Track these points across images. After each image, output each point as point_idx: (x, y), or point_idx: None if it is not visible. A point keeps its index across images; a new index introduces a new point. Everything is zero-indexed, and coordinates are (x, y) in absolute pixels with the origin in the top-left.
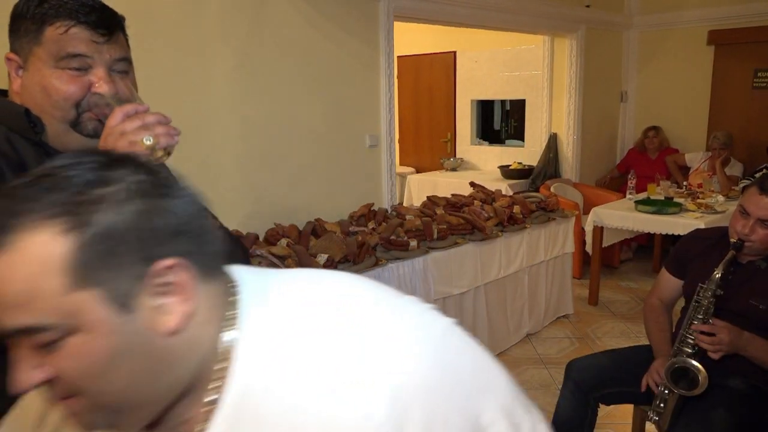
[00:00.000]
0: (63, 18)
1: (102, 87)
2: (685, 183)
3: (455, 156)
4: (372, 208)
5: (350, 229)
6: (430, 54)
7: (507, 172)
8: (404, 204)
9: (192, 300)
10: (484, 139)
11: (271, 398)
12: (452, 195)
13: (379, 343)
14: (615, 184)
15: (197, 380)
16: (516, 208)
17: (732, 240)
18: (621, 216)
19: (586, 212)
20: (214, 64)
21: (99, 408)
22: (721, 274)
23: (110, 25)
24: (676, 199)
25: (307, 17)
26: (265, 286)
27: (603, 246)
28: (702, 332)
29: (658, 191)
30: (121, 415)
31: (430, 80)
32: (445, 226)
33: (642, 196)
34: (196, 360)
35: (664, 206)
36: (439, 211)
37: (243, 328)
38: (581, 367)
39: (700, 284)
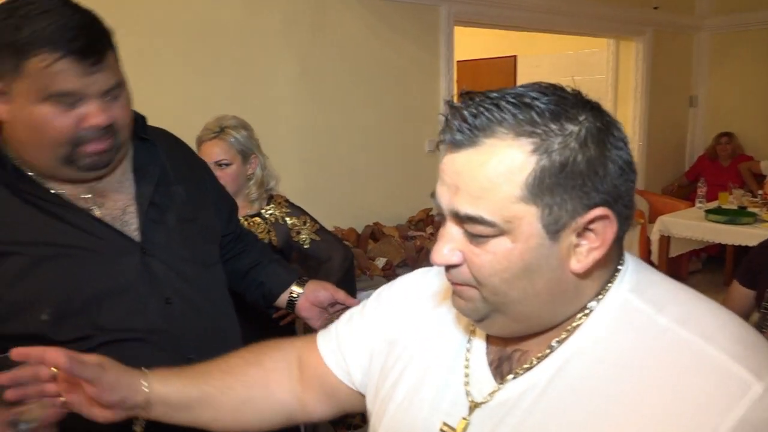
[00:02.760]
0: (46, 48)
1: (97, 119)
2: (759, 192)
3: None
4: (430, 213)
5: (408, 233)
6: (490, 59)
7: None
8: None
9: (603, 251)
10: None
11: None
12: None
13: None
14: (683, 192)
15: (559, 326)
16: None
17: None
18: (690, 225)
19: (652, 221)
20: (277, 71)
21: (486, 303)
22: None
23: (100, 50)
24: (750, 209)
25: (367, 23)
26: (647, 275)
27: (670, 256)
28: None
29: (730, 200)
30: (499, 317)
31: (489, 85)
32: None
33: (713, 205)
34: (575, 307)
35: (737, 216)
36: None
37: (607, 300)
38: None
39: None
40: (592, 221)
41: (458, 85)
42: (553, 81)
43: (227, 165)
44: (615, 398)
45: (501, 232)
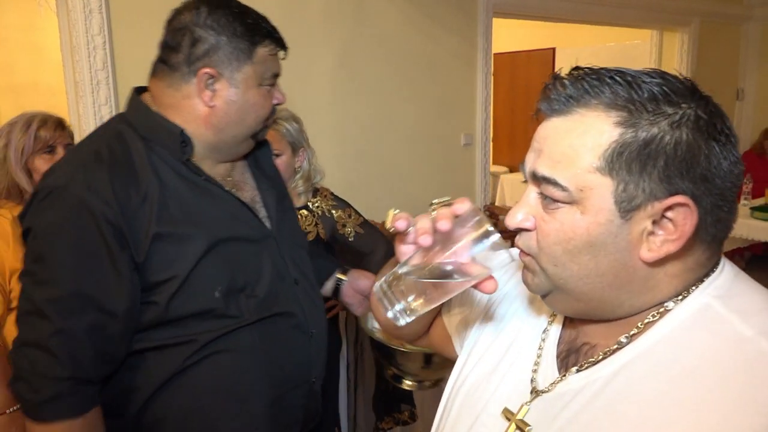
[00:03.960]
0: (268, 39)
1: (280, 98)
2: None
3: None
4: None
5: None
6: (528, 51)
7: None
8: (497, 204)
9: (678, 244)
10: None
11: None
12: None
13: None
14: None
15: (629, 320)
16: None
17: None
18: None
19: None
20: (315, 64)
21: (547, 276)
22: None
23: (285, 42)
24: None
25: (405, 15)
26: (736, 282)
27: None
28: None
29: None
30: (561, 294)
31: (527, 78)
32: None
33: (759, 202)
34: (646, 301)
35: None
36: None
37: (688, 303)
38: None
39: None
40: (670, 208)
41: (495, 78)
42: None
43: (277, 155)
44: (678, 405)
45: (572, 200)
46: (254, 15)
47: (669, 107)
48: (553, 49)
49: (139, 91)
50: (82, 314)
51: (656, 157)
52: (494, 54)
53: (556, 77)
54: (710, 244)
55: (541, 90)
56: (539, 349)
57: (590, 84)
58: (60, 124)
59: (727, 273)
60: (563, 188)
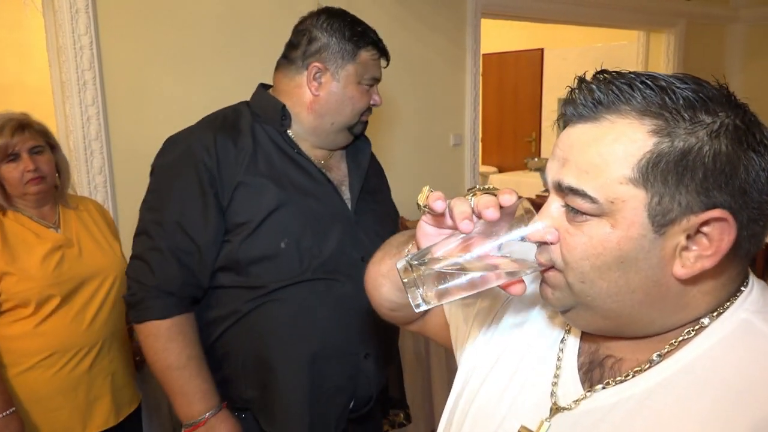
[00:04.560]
0: (371, 45)
1: (377, 100)
2: None
3: (540, 156)
4: None
5: None
6: (516, 51)
7: None
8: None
9: (714, 260)
10: None
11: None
12: (537, 196)
13: None
14: None
15: (660, 337)
16: None
17: None
18: None
19: None
20: None
21: (572, 292)
22: None
23: (388, 54)
24: None
25: (393, 16)
26: None
27: None
28: None
29: None
30: (585, 311)
31: (515, 78)
32: None
33: None
34: (679, 318)
35: None
36: None
37: (724, 319)
38: None
39: None
40: (706, 223)
41: (484, 79)
42: (581, 74)
43: None
44: (725, 423)
45: (602, 213)
46: (364, 25)
47: (706, 116)
48: (542, 50)
49: (265, 87)
50: (174, 237)
51: (694, 168)
52: (483, 54)
53: (582, 81)
54: (743, 259)
55: (566, 94)
56: (558, 360)
57: (620, 89)
58: (20, 127)
59: (758, 287)
60: (592, 200)
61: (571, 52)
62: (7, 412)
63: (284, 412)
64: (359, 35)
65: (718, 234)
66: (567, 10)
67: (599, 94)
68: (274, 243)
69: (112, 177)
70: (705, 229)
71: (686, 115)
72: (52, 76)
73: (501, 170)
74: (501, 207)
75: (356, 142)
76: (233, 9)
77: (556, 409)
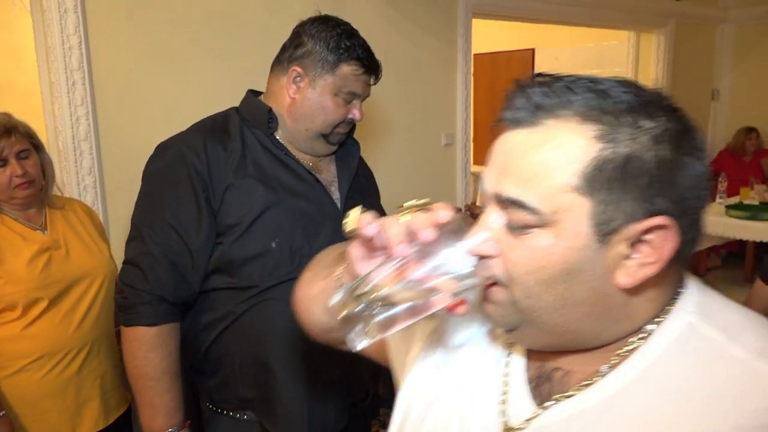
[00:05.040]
0: (356, 61)
1: (357, 115)
2: None
3: None
4: None
5: None
6: (508, 51)
7: None
8: (477, 203)
9: (657, 267)
10: None
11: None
12: None
13: None
14: None
15: (608, 347)
16: None
17: None
18: (709, 221)
19: None
20: None
21: (516, 309)
22: None
23: (378, 72)
24: None
25: (384, 17)
26: (712, 300)
27: None
28: None
29: (751, 195)
30: (532, 328)
31: (507, 78)
32: None
33: (734, 200)
34: (625, 328)
35: (759, 212)
36: None
37: (667, 324)
38: None
39: None
40: (649, 230)
41: (475, 79)
42: (572, 73)
43: None
44: (686, 427)
45: (545, 224)
46: (355, 40)
47: (648, 120)
48: (533, 50)
49: (254, 93)
50: (167, 241)
51: (638, 175)
52: (474, 54)
53: (520, 84)
54: (681, 263)
55: (503, 98)
56: (504, 377)
57: (560, 93)
58: (6, 131)
59: (695, 288)
60: (535, 211)
61: (563, 52)
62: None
63: (284, 409)
64: (345, 48)
65: (661, 241)
66: (558, 11)
67: (539, 98)
68: (265, 243)
69: (102, 178)
70: (647, 236)
71: (628, 119)
72: (40, 76)
73: None
74: (438, 223)
75: (345, 145)
76: (223, 9)
77: (507, 430)
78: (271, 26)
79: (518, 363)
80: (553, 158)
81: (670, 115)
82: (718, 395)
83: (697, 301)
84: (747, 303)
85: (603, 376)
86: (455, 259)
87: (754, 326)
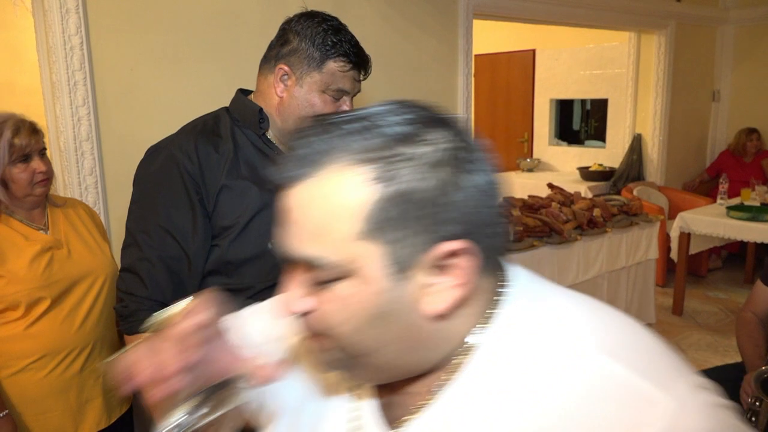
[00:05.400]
0: (343, 57)
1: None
2: None
3: (532, 156)
4: None
5: None
6: (508, 52)
7: (586, 173)
8: None
9: (466, 288)
10: (563, 140)
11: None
12: (529, 196)
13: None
14: (704, 188)
15: (438, 367)
16: (596, 211)
17: None
18: (711, 222)
19: (672, 217)
20: None
21: (342, 353)
22: None
23: (367, 67)
24: None
25: (385, 17)
26: (537, 293)
27: (690, 253)
28: None
29: (753, 197)
30: (359, 368)
31: (507, 79)
32: (521, 228)
33: (735, 201)
34: (446, 350)
35: (760, 213)
36: (516, 212)
37: (492, 330)
38: None
39: None
40: (447, 256)
41: (476, 80)
42: (573, 75)
43: None
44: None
45: (345, 275)
46: (341, 35)
47: (422, 146)
48: (533, 51)
49: (244, 93)
50: (163, 246)
51: (422, 206)
52: (475, 55)
53: (292, 138)
54: (494, 267)
55: (273, 161)
56: (355, 410)
57: (324, 138)
58: (34, 129)
59: (516, 282)
60: (331, 266)
61: (563, 53)
62: (0, 414)
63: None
64: (331, 45)
65: (463, 262)
66: (559, 11)
67: (303, 149)
68: (261, 244)
69: (103, 178)
70: (447, 261)
71: (403, 150)
72: (42, 76)
73: None
74: (200, 326)
75: None
76: (224, 9)
77: None
78: (272, 26)
79: (366, 396)
80: (333, 209)
81: (446, 133)
82: (551, 389)
83: (518, 300)
84: (747, 304)
85: (435, 396)
86: (257, 331)
87: (578, 309)
